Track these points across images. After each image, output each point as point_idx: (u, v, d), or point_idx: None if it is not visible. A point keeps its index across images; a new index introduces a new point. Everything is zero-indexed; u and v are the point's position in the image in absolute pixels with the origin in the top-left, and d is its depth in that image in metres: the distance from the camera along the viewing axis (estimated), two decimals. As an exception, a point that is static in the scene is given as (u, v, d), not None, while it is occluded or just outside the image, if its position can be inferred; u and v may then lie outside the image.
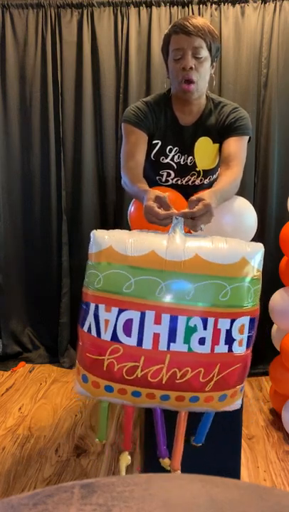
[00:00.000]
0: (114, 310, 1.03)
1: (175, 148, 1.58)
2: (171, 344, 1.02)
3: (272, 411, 2.14)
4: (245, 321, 1.04)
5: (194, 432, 1.14)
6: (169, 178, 1.62)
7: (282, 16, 2.50)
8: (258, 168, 2.60)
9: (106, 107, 2.66)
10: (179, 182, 1.63)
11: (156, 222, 1.13)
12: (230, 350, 1.04)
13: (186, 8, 2.54)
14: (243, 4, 2.51)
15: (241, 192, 1.55)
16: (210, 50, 1.46)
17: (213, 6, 2.52)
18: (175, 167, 1.60)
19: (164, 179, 1.63)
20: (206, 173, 1.63)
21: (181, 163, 1.60)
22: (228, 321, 1.03)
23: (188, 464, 1.10)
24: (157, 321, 1.01)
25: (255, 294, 1.06)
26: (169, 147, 1.58)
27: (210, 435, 1.14)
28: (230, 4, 2.52)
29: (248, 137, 1.52)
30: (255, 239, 1.16)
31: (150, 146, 1.56)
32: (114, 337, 1.03)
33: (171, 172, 1.61)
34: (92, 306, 1.06)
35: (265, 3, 2.51)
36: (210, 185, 1.62)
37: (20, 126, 2.73)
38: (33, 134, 2.71)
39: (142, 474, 0.48)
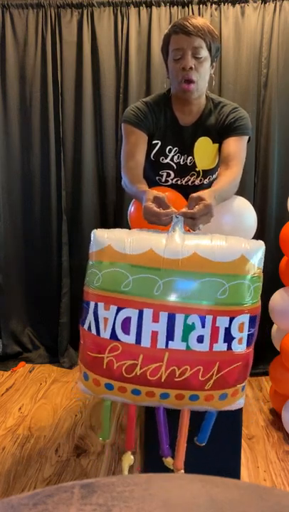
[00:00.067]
0: (113, 308, 1.04)
1: (175, 149, 1.58)
2: (170, 342, 1.02)
3: (272, 411, 2.14)
4: (244, 319, 1.04)
5: (197, 432, 1.14)
6: (168, 179, 1.62)
7: (282, 16, 2.50)
8: (258, 168, 2.60)
9: (106, 107, 2.66)
10: (179, 182, 1.63)
11: (156, 221, 1.13)
12: (229, 348, 1.03)
13: (186, 8, 2.54)
14: (243, 4, 2.51)
15: (241, 192, 1.55)
16: (210, 50, 1.46)
17: (213, 6, 2.52)
18: (175, 167, 1.60)
19: (163, 179, 1.63)
20: (206, 173, 1.63)
21: (181, 163, 1.60)
22: (227, 319, 1.03)
23: (189, 463, 1.10)
24: (155, 319, 1.02)
25: (256, 292, 1.06)
26: (168, 147, 1.58)
27: (210, 435, 1.14)
28: (230, 4, 2.52)
29: (247, 137, 1.52)
30: (255, 239, 1.15)
31: (150, 146, 1.56)
32: (113, 335, 1.04)
33: (171, 172, 1.61)
34: (92, 304, 1.08)
35: (265, 3, 2.51)
36: (210, 185, 1.62)
37: (20, 126, 2.73)
38: (33, 134, 2.71)
39: (142, 474, 0.48)
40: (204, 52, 1.44)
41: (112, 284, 1.05)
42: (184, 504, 0.43)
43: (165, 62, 1.55)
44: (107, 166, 2.71)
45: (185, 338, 1.02)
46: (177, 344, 1.02)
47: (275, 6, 2.49)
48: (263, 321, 1.13)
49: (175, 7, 2.55)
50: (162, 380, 1.03)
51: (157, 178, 1.63)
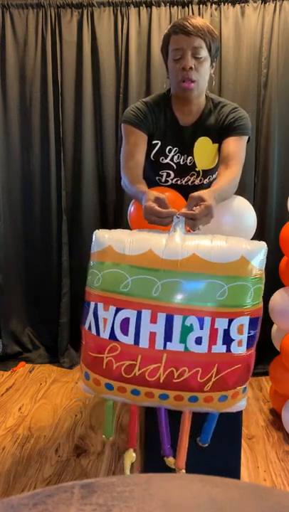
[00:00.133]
0: (112, 309, 1.04)
1: (175, 149, 1.58)
2: (168, 343, 1.02)
3: (272, 411, 2.14)
4: (244, 320, 1.03)
5: (198, 432, 1.14)
6: (168, 179, 1.62)
7: (282, 16, 2.50)
8: (258, 168, 2.60)
9: (106, 107, 2.66)
10: (179, 182, 1.63)
11: (157, 221, 1.13)
12: (228, 350, 1.03)
13: (186, 8, 2.54)
14: (243, 4, 2.51)
15: (241, 192, 1.55)
16: (209, 50, 1.46)
17: (213, 6, 2.52)
18: (175, 167, 1.60)
19: (163, 179, 1.63)
20: (206, 173, 1.63)
21: (181, 163, 1.60)
22: (226, 320, 1.02)
23: (189, 463, 1.10)
24: (153, 320, 1.02)
25: (256, 294, 1.05)
26: (168, 147, 1.58)
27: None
28: (230, 4, 2.52)
29: (247, 137, 1.52)
30: (254, 239, 1.15)
31: (150, 147, 1.56)
32: (112, 335, 1.04)
33: (171, 172, 1.61)
34: (92, 304, 1.09)
35: (265, 3, 2.51)
36: (209, 185, 1.62)
37: (20, 126, 2.73)
38: (33, 134, 2.71)
39: (142, 474, 0.48)
40: (204, 53, 1.44)
41: (111, 285, 1.05)
42: (184, 504, 0.43)
43: (165, 63, 1.55)
44: (107, 166, 2.71)
45: (183, 340, 1.01)
46: (175, 345, 1.02)
47: (275, 6, 2.49)
48: (263, 321, 1.12)
49: (175, 7, 2.55)
50: (161, 381, 1.03)
51: (157, 178, 1.63)
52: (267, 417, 2.09)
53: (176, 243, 1.05)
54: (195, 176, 1.62)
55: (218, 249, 1.03)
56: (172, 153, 1.59)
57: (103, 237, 1.09)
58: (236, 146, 1.48)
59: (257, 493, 0.46)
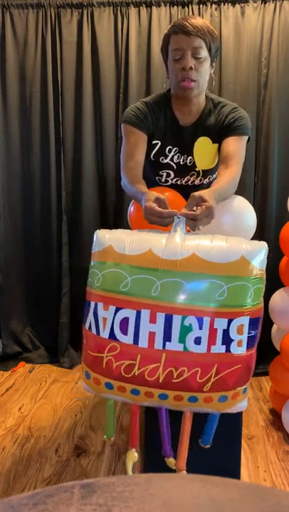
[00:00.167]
0: (112, 308, 1.05)
1: (175, 149, 1.58)
2: (167, 343, 1.02)
3: (272, 411, 2.14)
4: (244, 321, 1.03)
5: (199, 433, 1.14)
6: (168, 179, 1.62)
7: (282, 16, 2.50)
8: (258, 168, 2.60)
9: (106, 107, 2.66)
10: (179, 182, 1.63)
11: (158, 221, 1.13)
12: (228, 350, 1.02)
13: (186, 8, 2.54)
14: (243, 4, 2.51)
15: (241, 192, 1.55)
16: (209, 50, 1.46)
17: (213, 6, 2.52)
18: (175, 167, 1.60)
19: (163, 179, 1.63)
20: (206, 173, 1.63)
21: (181, 163, 1.60)
22: (225, 320, 1.02)
23: (189, 463, 1.10)
24: (152, 319, 1.02)
25: (256, 294, 1.05)
26: (168, 147, 1.58)
27: (210, 435, 1.14)
28: (230, 4, 2.52)
29: (247, 137, 1.52)
30: (254, 239, 1.15)
31: (150, 147, 1.56)
32: (112, 335, 1.05)
33: (171, 172, 1.61)
34: (93, 304, 1.09)
35: (265, 3, 2.51)
36: (209, 185, 1.62)
37: (21, 126, 2.73)
38: (33, 134, 2.71)
39: (142, 474, 0.48)
40: (204, 53, 1.44)
41: (111, 285, 1.06)
42: (184, 504, 0.43)
43: (165, 63, 1.55)
44: (107, 166, 2.71)
45: (182, 340, 1.01)
46: (174, 345, 1.01)
47: (275, 6, 2.49)
48: (263, 321, 1.12)
49: (175, 7, 2.55)
50: (160, 380, 1.03)
51: (157, 178, 1.63)
52: (267, 417, 2.10)
53: (176, 243, 1.05)
54: (195, 176, 1.62)
55: (218, 249, 1.03)
56: (172, 153, 1.59)
57: (104, 237, 1.10)
58: (236, 146, 1.48)
59: (257, 493, 0.46)
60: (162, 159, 1.59)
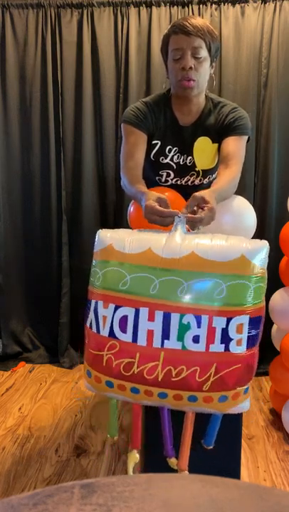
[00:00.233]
0: (111, 306, 1.05)
1: (174, 149, 1.58)
2: (165, 341, 1.02)
3: (272, 411, 2.14)
4: (243, 319, 1.02)
5: (202, 434, 1.13)
6: (168, 179, 1.62)
7: (282, 16, 2.50)
8: (258, 168, 2.60)
9: (106, 107, 2.66)
10: (179, 182, 1.63)
11: (158, 221, 1.13)
12: (227, 349, 1.02)
13: (186, 8, 2.54)
14: (243, 4, 2.51)
15: (241, 192, 1.55)
16: (209, 50, 1.46)
17: (213, 6, 2.52)
18: (174, 167, 1.60)
19: (163, 179, 1.63)
20: (206, 173, 1.63)
21: (181, 163, 1.60)
22: (224, 319, 1.01)
23: (189, 463, 1.10)
24: (151, 317, 1.02)
25: (257, 293, 1.04)
26: (168, 147, 1.58)
27: (210, 435, 1.14)
28: (230, 4, 2.52)
29: (246, 137, 1.52)
30: (254, 239, 1.15)
31: (150, 147, 1.56)
32: (111, 333, 1.05)
33: (171, 172, 1.61)
34: (93, 302, 1.10)
35: (265, 3, 2.51)
36: (209, 185, 1.62)
37: (21, 126, 2.73)
38: (33, 134, 2.71)
39: (142, 474, 0.48)
40: (204, 53, 1.44)
41: (111, 283, 1.06)
42: (184, 504, 0.43)
43: (165, 63, 1.55)
44: (107, 166, 2.71)
45: (180, 338, 1.01)
46: (173, 343, 1.01)
47: (275, 6, 2.49)
48: (264, 321, 1.12)
49: (175, 7, 2.55)
50: (159, 379, 1.03)
51: (157, 178, 1.63)
52: (267, 417, 2.09)
53: (176, 242, 1.05)
54: (195, 176, 1.62)
55: (217, 248, 1.03)
56: (172, 153, 1.59)
57: (105, 236, 1.11)
58: (236, 146, 1.48)
59: (257, 493, 0.46)
60: (162, 159, 1.59)
